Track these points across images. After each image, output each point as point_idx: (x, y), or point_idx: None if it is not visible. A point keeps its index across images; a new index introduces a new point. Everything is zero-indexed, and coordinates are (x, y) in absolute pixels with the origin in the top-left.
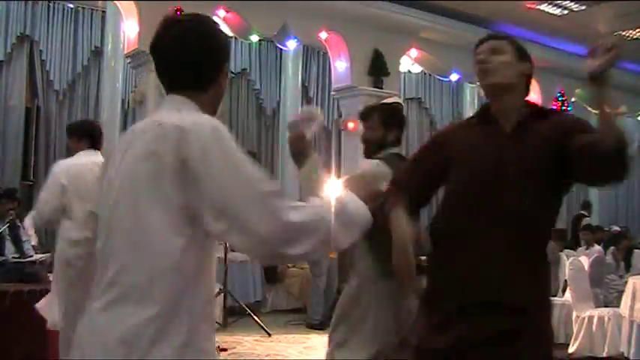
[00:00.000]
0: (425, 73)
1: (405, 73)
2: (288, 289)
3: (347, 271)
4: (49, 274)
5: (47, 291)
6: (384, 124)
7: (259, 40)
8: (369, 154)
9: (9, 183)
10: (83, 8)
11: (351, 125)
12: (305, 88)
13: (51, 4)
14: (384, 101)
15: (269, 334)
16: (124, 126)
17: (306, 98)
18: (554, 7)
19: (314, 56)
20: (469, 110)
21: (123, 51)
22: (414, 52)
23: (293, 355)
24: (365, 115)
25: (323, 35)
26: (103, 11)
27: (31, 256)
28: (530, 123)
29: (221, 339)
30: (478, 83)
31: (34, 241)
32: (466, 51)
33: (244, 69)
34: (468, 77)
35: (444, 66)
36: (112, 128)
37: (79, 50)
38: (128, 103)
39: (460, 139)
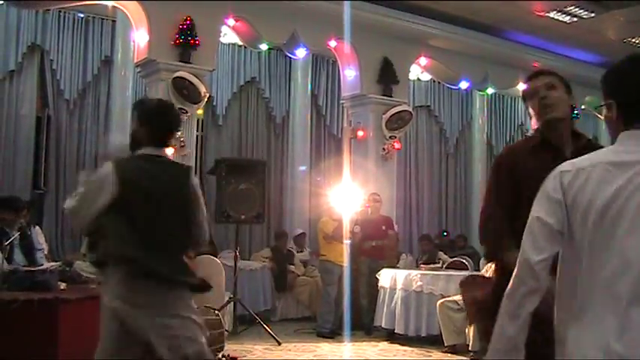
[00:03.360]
0: (434, 81)
1: (414, 81)
2: (298, 298)
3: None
4: (59, 283)
5: (58, 299)
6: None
7: (269, 49)
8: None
9: (20, 192)
10: (93, 17)
11: (360, 133)
12: (314, 97)
13: (61, 14)
14: None
15: (279, 343)
16: None
17: (316, 107)
18: (564, 15)
19: (323, 65)
20: (479, 118)
21: (133, 60)
22: (423, 60)
23: None
24: None
25: (332, 44)
26: (113, 20)
27: (42, 265)
28: (583, 149)
29: (230, 347)
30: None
31: (45, 250)
32: (476, 59)
33: (254, 77)
34: (478, 85)
35: (453, 74)
36: (122, 137)
37: (90, 59)
38: None
39: (527, 164)
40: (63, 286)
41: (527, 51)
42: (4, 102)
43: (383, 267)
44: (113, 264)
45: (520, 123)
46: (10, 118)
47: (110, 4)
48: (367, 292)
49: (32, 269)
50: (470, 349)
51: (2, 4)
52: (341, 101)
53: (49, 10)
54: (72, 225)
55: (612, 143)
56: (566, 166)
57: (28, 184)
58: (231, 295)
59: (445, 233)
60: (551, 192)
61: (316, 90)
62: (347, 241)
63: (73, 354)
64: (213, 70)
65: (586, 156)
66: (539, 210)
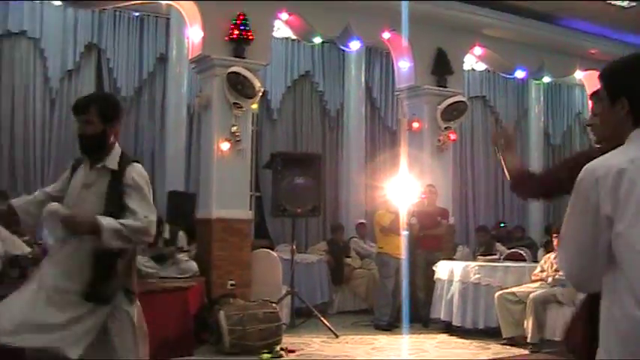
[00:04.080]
0: (489, 71)
1: (468, 71)
2: (355, 290)
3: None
4: None
5: None
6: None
7: (322, 42)
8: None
9: None
10: (148, 16)
11: (415, 125)
12: (368, 89)
13: (117, 13)
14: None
15: (336, 336)
16: (190, 131)
17: (370, 99)
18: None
19: (377, 57)
20: (535, 107)
21: (187, 56)
22: (477, 50)
23: (361, 356)
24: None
25: (386, 35)
26: (167, 18)
27: None
28: None
29: (288, 340)
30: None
31: None
32: (531, 47)
33: (307, 71)
34: (534, 74)
35: (508, 63)
36: (177, 133)
37: (145, 57)
38: (193, 108)
39: None
40: None
41: (584, 38)
42: (63, 101)
43: (439, 259)
44: None
45: (577, 112)
46: (70, 116)
47: (164, 2)
48: (424, 285)
49: None
50: (528, 341)
51: (60, 5)
52: (395, 93)
53: (105, 9)
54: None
55: (605, 139)
56: (597, 170)
57: None
58: (289, 289)
59: (503, 224)
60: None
61: (370, 82)
62: (404, 232)
63: None
64: (267, 64)
65: (609, 155)
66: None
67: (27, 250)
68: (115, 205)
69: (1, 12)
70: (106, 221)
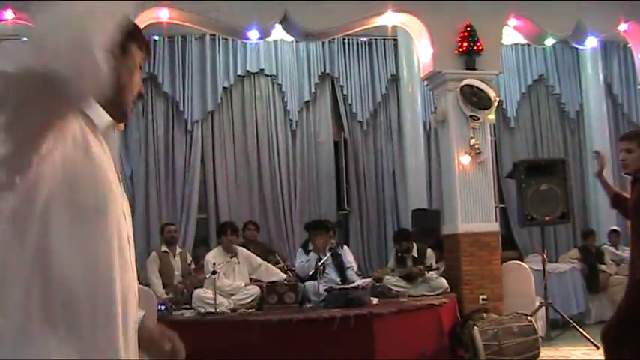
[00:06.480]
0: None
1: None
2: (613, 298)
3: None
4: (371, 298)
5: (372, 314)
6: None
7: (554, 43)
8: None
9: (326, 214)
10: (376, 39)
11: None
12: (608, 86)
13: (346, 41)
14: None
15: (597, 347)
16: (428, 147)
17: (610, 96)
18: None
19: (614, 51)
20: None
21: (419, 75)
22: None
23: None
24: None
25: (622, 27)
26: (395, 39)
27: (353, 282)
28: None
29: (546, 353)
30: None
31: (354, 267)
32: None
33: (541, 75)
34: None
35: None
36: (416, 151)
37: (377, 80)
38: (429, 124)
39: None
40: (375, 301)
41: None
42: (304, 131)
43: None
44: None
45: None
46: (310, 145)
47: (391, 23)
48: None
49: (345, 287)
50: None
51: (292, 41)
52: (638, 87)
53: (334, 39)
54: None
55: None
56: None
57: (332, 206)
58: (542, 300)
59: None
60: None
61: (609, 78)
62: None
63: None
64: (500, 73)
65: None
66: None
67: (282, 276)
68: None
69: (241, 54)
70: None
